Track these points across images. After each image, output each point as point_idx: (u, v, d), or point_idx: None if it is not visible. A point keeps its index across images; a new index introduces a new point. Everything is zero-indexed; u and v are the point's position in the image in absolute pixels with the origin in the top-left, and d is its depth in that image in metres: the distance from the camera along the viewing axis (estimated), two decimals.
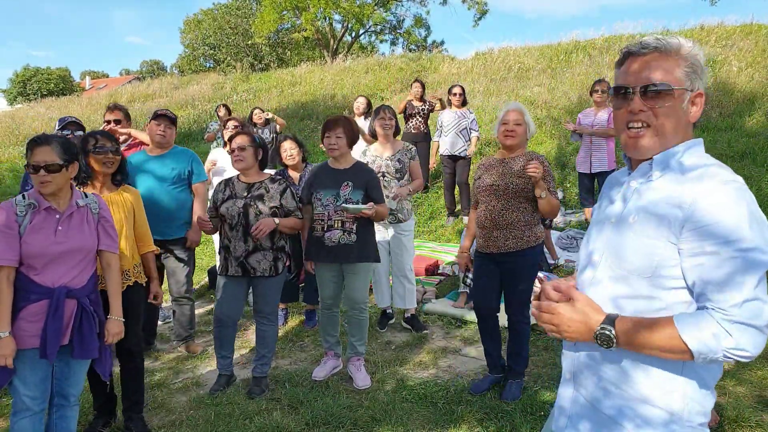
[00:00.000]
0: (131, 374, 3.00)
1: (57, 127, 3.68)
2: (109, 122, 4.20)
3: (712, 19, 12.89)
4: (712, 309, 1.12)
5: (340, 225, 3.40)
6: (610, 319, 1.20)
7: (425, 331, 4.30)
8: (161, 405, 3.30)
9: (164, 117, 3.86)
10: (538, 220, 3.22)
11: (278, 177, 3.56)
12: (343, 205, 3.34)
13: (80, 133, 3.60)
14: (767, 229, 1.13)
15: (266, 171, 3.63)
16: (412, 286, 4.37)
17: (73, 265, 2.34)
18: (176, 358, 4.04)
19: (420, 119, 7.43)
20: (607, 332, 1.19)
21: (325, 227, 3.41)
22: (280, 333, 4.39)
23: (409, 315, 4.42)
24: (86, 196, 2.47)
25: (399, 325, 4.50)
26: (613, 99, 1.31)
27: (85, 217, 2.41)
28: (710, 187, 1.14)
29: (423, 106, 7.45)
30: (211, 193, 4.01)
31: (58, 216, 2.32)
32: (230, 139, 3.44)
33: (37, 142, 2.29)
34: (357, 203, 3.39)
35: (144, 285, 3.03)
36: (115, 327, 2.51)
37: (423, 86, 7.56)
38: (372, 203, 3.36)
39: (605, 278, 1.29)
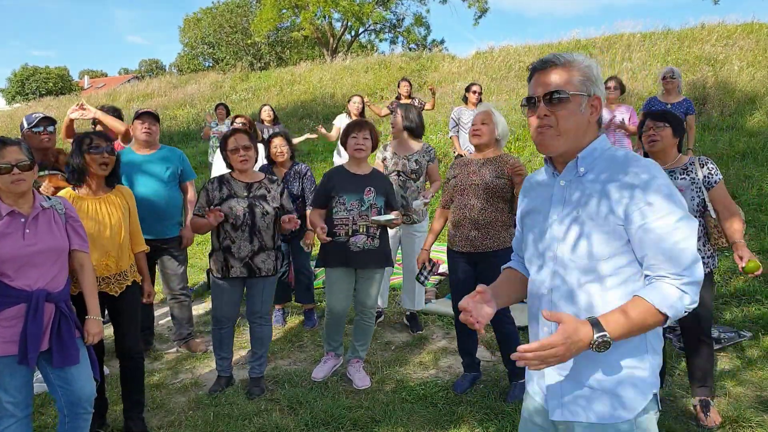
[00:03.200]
0: (131, 374, 2.99)
1: (27, 126, 3.45)
2: (95, 123, 4.11)
3: (713, 18, 12.92)
4: (666, 276, 1.30)
5: (365, 230, 3.39)
6: (595, 323, 1.29)
7: (420, 332, 4.29)
8: (160, 405, 3.29)
9: (147, 115, 3.81)
10: (514, 221, 3.24)
11: (275, 177, 3.54)
12: (374, 218, 3.36)
13: (52, 128, 3.48)
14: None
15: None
16: (422, 287, 4.37)
17: (47, 267, 2.30)
18: (175, 358, 4.02)
19: None
20: (606, 339, 1.27)
21: (350, 232, 3.39)
22: (280, 333, 4.38)
23: (409, 313, 4.42)
24: (49, 198, 2.44)
25: (399, 325, 4.49)
26: (523, 110, 1.50)
27: (51, 218, 2.37)
28: (641, 171, 1.35)
29: (413, 104, 7.47)
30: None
31: (23, 219, 2.27)
32: (225, 138, 3.36)
33: (5, 142, 2.26)
34: (380, 210, 3.42)
35: (140, 284, 3.02)
36: (94, 327, 2.47)
37: (410, 84, 7.61)
38: (398, 212, 3.44)
39: (568, 270, 1.43)
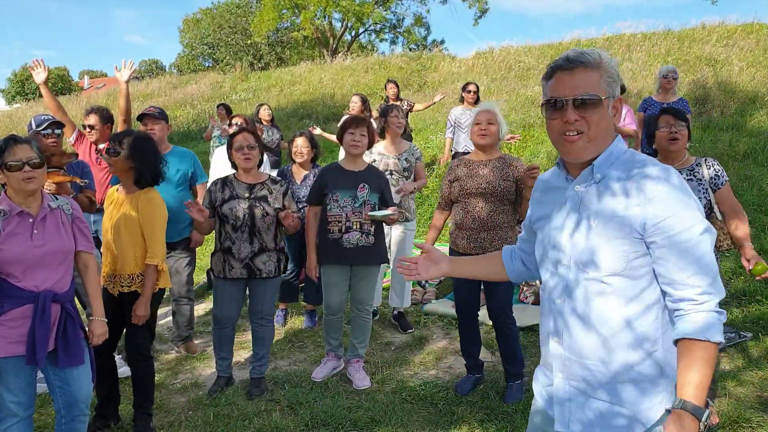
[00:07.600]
0: (137, 376, 3.00)
1: (35, 126, 3.45)
2: (85, 128, 4.00)
3: (713, 18, 12.95)
4: (692, 300, 1.24)
5: (358, 227, 3.39)
6: (692, 406, 1.20)
7: (411, 331, 4.30)
8: (160, 406, 3.28)
9: (147, 116, 3.70)
10: (516, 221, 3.30)
11: (278, 178, 3.53)
12: (371, 213, 3.35)
13: (59, 131, 3.49)
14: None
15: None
16: (410, 285, 4.44)
17: (53, 268, 2.29)
18: (175, 358, 4.02)
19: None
20: (706, 421, 1.21)
21: (343, 228, 3.39)
22: (280, 333, 4.38)
23: (397, 312, 4.44)
24: (56, 198, 2.44)
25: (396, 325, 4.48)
26: (544, 110, 1.39)
27: (59, 218, 2.36)
28: (659, 178, 1.28)
29: (401, 105, 7.49)
30: None
31: (31, 220, 2.26)
32: (233, 135, 3.37)
33: (16, 140, 2.25)
34: (375, 206, 3.41)
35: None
36: (99, 328, 2.46)
37: (397, 86, 7.66)
38: (394, 208, 3.42)
39: (580, 283, 1.36)
